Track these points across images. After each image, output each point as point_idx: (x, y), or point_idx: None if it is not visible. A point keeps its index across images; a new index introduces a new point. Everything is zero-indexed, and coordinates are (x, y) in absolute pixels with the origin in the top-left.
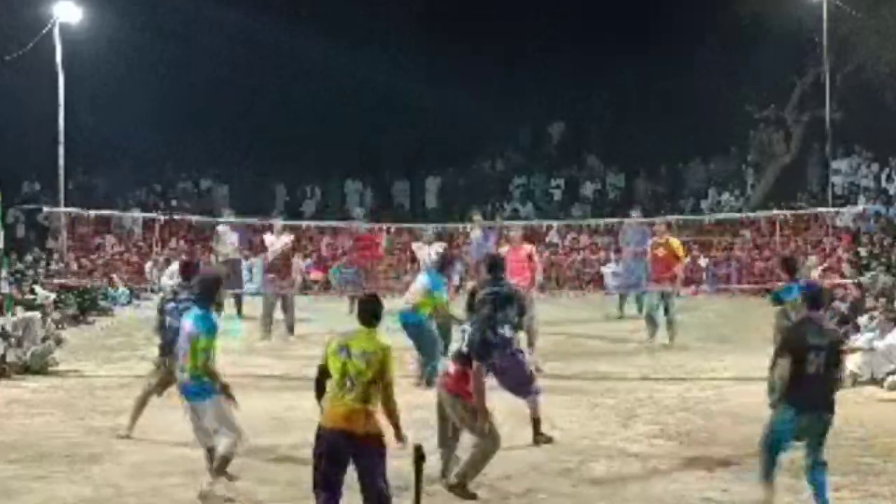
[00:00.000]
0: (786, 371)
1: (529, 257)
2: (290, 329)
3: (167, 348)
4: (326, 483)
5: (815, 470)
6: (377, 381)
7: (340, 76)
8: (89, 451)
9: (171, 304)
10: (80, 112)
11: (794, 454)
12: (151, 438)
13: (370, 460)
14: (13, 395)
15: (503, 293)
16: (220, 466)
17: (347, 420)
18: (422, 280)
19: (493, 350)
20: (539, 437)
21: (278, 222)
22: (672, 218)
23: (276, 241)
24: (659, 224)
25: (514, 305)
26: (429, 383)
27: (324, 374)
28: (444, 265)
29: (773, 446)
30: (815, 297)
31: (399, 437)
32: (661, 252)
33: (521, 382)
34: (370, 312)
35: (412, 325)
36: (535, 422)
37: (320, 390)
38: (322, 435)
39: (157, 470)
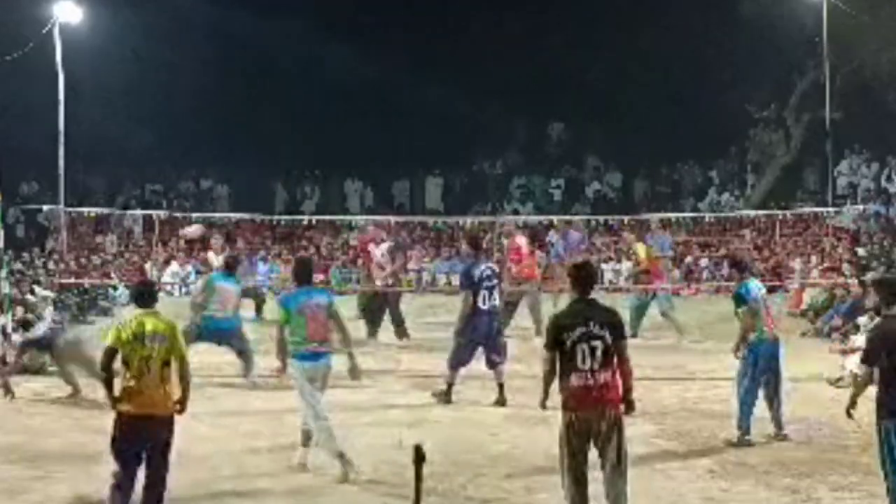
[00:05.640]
0: None
1: (518, 249)
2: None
3: None
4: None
5: None
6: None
7: (340, 76)
8: (89, 451)
9: None
10: (80, 112)
11: (796, 453)
12: None
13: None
14: None
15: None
16: None
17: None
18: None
19: None
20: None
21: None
22: (672, 215)
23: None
24: (626, 235)
25: None
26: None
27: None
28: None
29: None
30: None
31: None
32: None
33: None
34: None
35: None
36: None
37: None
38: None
39: None
